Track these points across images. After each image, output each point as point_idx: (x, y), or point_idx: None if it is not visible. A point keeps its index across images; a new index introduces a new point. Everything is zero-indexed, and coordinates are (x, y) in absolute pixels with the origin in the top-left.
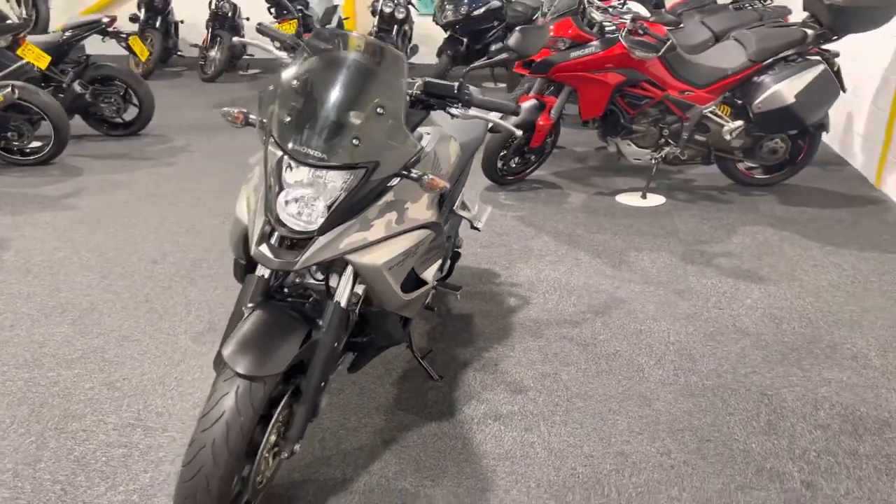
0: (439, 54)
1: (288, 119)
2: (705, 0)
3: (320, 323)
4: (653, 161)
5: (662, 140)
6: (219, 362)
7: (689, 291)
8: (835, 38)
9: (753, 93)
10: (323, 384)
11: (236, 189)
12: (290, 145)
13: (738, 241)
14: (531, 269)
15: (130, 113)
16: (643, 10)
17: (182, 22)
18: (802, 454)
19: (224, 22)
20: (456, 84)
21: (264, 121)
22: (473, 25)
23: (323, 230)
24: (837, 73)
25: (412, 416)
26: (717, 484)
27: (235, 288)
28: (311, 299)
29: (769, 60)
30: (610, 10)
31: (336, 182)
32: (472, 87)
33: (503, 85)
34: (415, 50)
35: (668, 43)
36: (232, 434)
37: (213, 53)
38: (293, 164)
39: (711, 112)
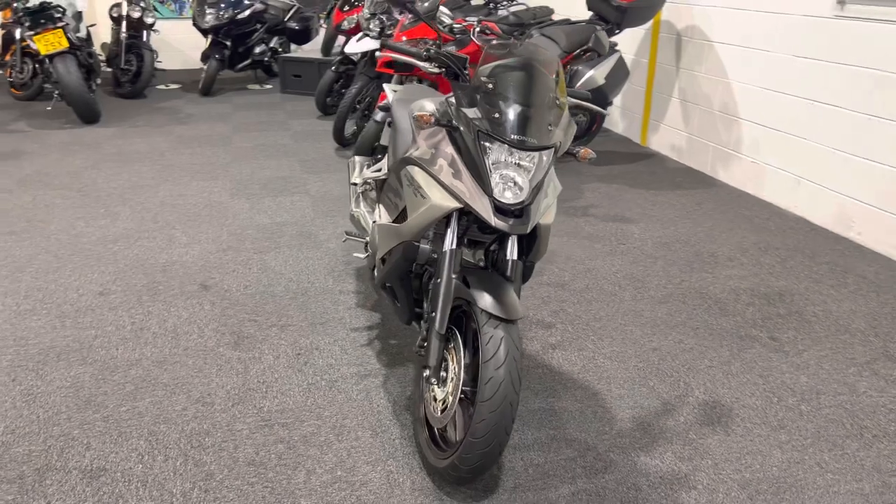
0: (204, 59)
1: (497, 115)
2: (460, 1)
3: (508, 275)
4: None
5: None
6: (435, 326)
7: (594, 236)
8: (618, 31)
9: (572, 79)
10: None
11: (104, 211)
12: (506, 136)
13: (591, 196)
14: None
15: None
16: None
17: None
18: (755, 322)
19: None
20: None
21: (453, 122)
22: (238, 29)
23: (531, 200)
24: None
25: None
26: (726, 351)
27: (223, 301)
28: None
29: (577, 51)
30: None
31: (540, 161)
32: None
33: (269, 86)
34: (155, 56)
35: (511, 40)
36: (517, 365)
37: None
38: (513, 149)
39: None
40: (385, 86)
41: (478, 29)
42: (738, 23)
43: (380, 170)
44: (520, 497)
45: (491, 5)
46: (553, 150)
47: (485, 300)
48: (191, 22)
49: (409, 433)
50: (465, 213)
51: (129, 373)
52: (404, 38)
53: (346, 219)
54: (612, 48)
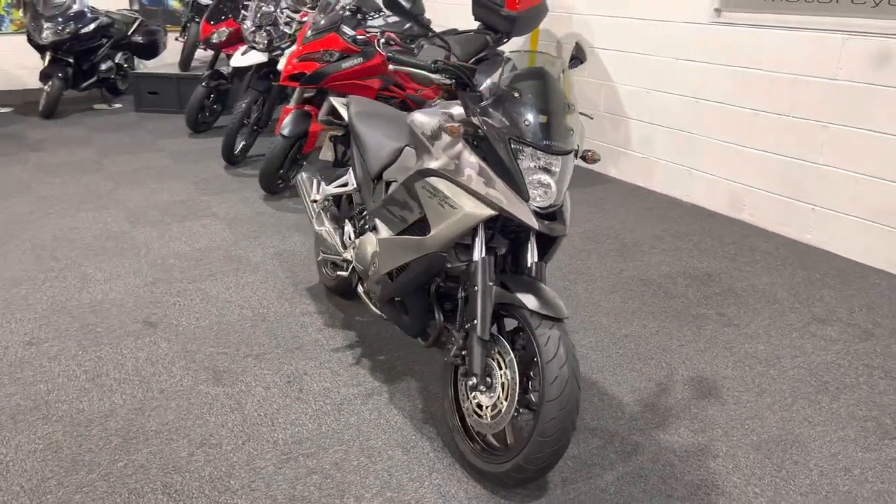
0: (45, 78)
1: (527, 123)
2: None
3: (534, 277)
4: None
5: None
6: (483, 333)
7: None
8: (506, 40)
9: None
10: None
11: None
12: (538, 141)
13: None
14: None
15: None
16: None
17: None
18: (699, 302)
19: None
20: None
21: (482, 129)
22: (81, 44)
23: (561, 203)
24: None
25: None
26: (687, 330)
27: (178, 337)
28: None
29: (472, 60)
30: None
31: (566, 164)
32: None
33: (118, 105)
34: None
35: (414, 49)
36: (576, 362)
37: None
38: (542, 154)
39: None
40: (334, 100)
41: (382, 40)
42: (619, 30)
43: (345, 184)
44: (572, 489)
45: (359, 17)
46: (574, 153)
47: (533, 302)
48: (11, 38)
49: (440, 444)
50: (491, 221)
51: (108, 425)
52: (306, 51)
53: (272, 238)
54: (503, 56)
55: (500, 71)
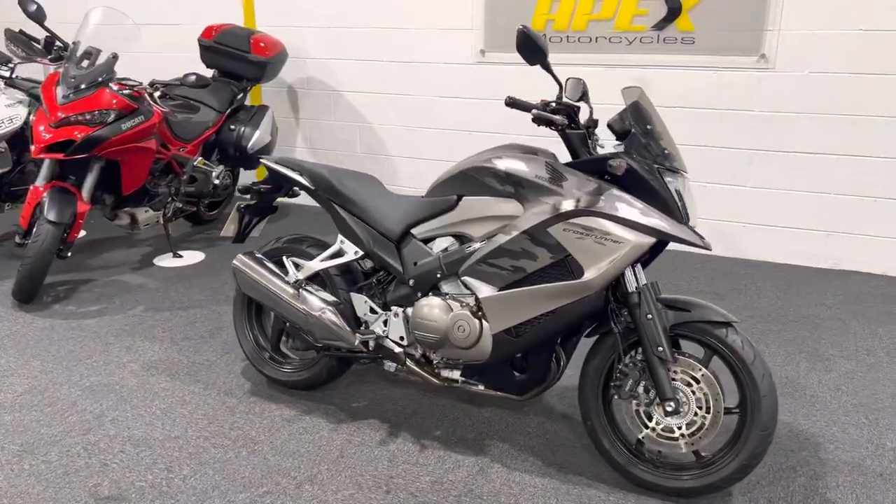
0: None
1: (667, 151)
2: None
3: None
4: (161, 221)
5: (170, 199)
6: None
7: None
8: (249, 87)
9: (239, 139)
10: None
11: None
12: (682, 167)
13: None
14: None
15: None
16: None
17: None
18: None
19: None
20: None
21: (632, 164)
22: None
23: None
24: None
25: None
26: None
27: (181, 494)
28: None
29: (229, 111)
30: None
31: (689, 182)
32: None
33: None
34: None
35: (192, 102)
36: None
37: None
38: (680, 177)
39: (200, 162)
40: (269, 161)
41: (157, 94)
42: (371, 73)
43: (337, 254)
44: None
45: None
46: None
47: (709, 314)
48: None
49: (607, 486)
50: None
51: None
52: (70, 114)
53: (115, 354)
54: (256, 106)
55: (628, 110)
